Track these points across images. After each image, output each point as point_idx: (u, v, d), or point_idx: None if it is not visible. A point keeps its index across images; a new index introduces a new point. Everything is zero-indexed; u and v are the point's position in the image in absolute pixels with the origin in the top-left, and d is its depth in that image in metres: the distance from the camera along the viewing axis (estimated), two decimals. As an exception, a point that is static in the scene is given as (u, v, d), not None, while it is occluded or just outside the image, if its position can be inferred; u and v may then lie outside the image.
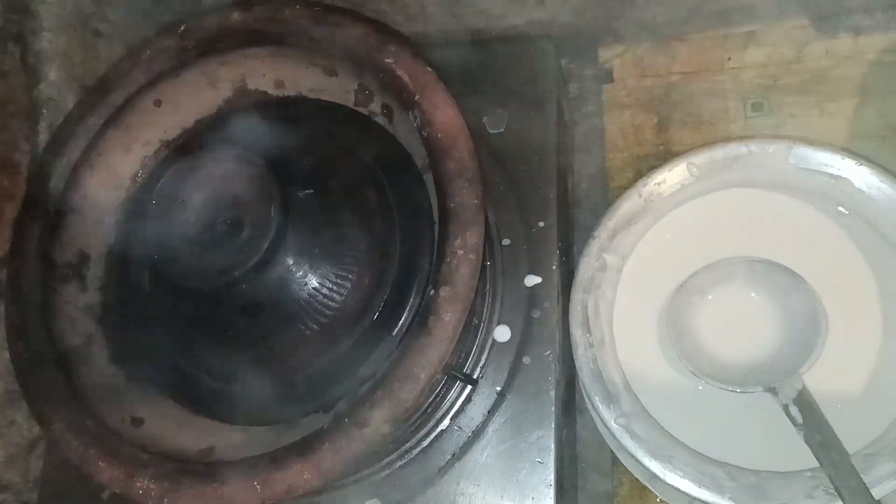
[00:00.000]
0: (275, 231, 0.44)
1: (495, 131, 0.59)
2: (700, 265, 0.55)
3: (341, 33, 0.49)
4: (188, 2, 0.68)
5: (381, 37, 0.48)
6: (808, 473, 0.48)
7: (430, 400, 0.51)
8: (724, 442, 0.51)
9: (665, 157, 0.67)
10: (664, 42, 0.70)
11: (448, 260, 0.43)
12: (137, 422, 0.50)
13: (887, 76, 0.64)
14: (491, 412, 0.52)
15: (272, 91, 0.55)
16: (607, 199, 0.68)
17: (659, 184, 0.56)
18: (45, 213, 0.53)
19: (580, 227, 0.68)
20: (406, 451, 0.52)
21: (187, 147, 0.55)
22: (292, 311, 0.47)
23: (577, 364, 0.53)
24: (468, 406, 0.53)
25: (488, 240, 0.54)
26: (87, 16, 0.68)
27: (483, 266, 0.52)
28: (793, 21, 0.67)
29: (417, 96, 0.46)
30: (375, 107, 0.53)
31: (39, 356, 0.50)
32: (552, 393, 0.52)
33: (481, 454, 0.52)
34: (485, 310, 0.53)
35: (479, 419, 0.52)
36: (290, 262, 0.46)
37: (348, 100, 0.54)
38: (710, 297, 0.55)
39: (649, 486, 0.56)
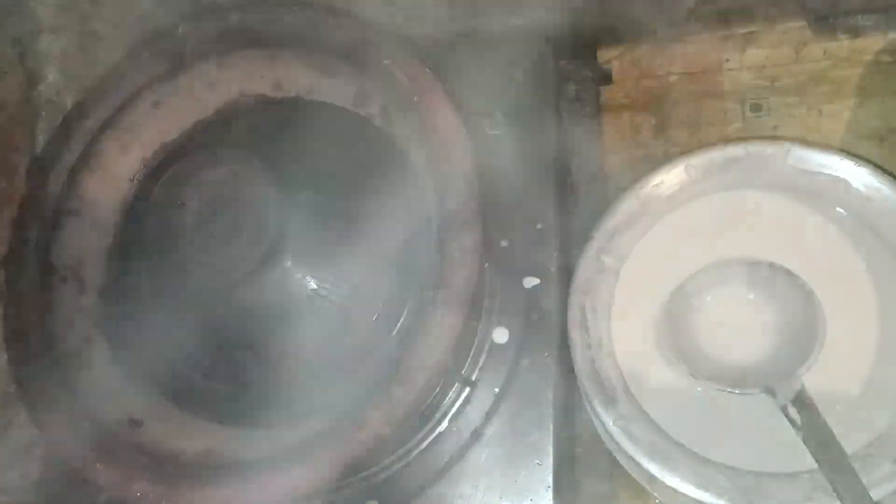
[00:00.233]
0: (273, 233, 0.44)
1: (493, 133, 0.59)
2: (698, 267, 0.55)
3: (339, 35, 0.49)
4: (187, 3, 0.68)
5: (380, 39, 0.48)
6: (807, 475, 0.48)
7: (429, 402, 0.51)
8: (723, 443, 0.51)
9: (663, 158, 0.67)
10: (663, 43, 0.70)
11: (446, 262, 0.43)
12: (136, 424, 0.50)
13: (885, 77, 0.64)
14: (489, 414, 0.52)
15: (271, 93, 0.55)
16: (606, 199, 0.68)
17: (657, 185, 0.56)
18: (43, 215, 0.53)
19: (579, 227, 0.67)
20: (405, 453, 0.52)
21: (186, 149, 0.55)
22: (291, 312, 0.47)
23: (576, 366, 0.53)
24: (466, 408, 0.53)
25: (486, 241, 0.54)
26: (85, 17, 0.68)
27: (481, 268, 0.52)
28: (791, 22, 0.67)
29: (416, 98, 0.46)
30: (374, 108, 0.53)
31: (37, 358, 0.50)
32: (550, 395, 0.52)
33: (480, 456, 0.52)
34: (483, 311, 0.54)
35: (477, 421, 0.52)
36: (289, 264, 0.47)
37: (347, 101, 0.54)
38: (708, 298, 0.55)
39: (648, 488, 0.56)
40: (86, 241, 0.55)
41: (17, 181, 0.61)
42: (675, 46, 0.70)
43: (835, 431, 0.48)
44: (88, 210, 0.55)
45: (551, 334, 0.54)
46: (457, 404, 0.53)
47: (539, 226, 0.56)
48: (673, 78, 0.69)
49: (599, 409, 0.52)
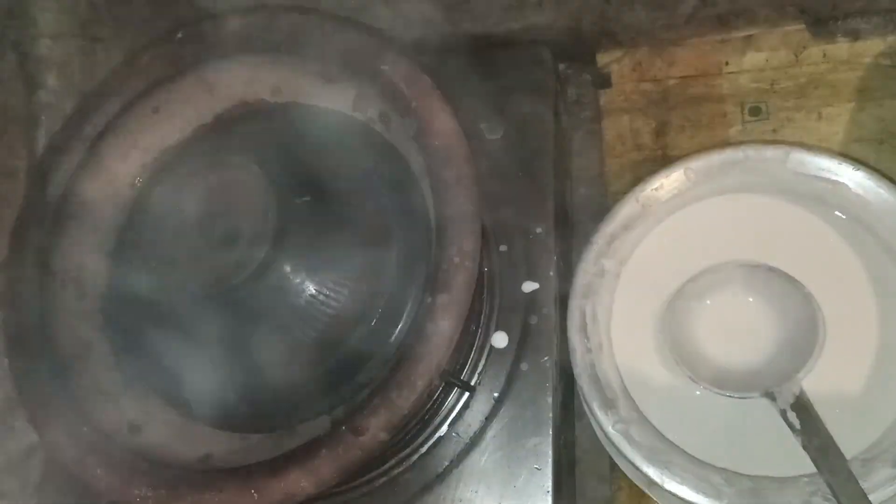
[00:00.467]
0: (272, 238, 0.44)
1: (493, 137, 0.59)
2: (698, 270, 0.55)
3: (337, 40, 0.49)
4: (186, 7, 0.68)
5: (378, 44, 0.48)
6: (806, 479, 0.48)
7: (428, 407, 0.51)
8: (722, 447, 0.51)
9: (663, 161, 0.67)
10: (662, 46, 0.70)
11: (445, 267, 0.43)
12: (135, 429, 0.50)
13: (884, 80, 0.64)
14: (489, 419, 0.52)
15: (269, 98, 0.55)
16: (606, 203, 0.68)
17: (657, 189, 0.56)
18: (43, 219, 0.53)
19: (578, 231, 0.68)
20: (404, 458, 0.52)
21: (185, 154, 0.55)
22: (290, 317, 0.47)
23: (575, 370, 0.53)
24: (466, 413, 0.53)
25: (486, 246, 0.54)
26: (85, 22, 0.68)
27: (480, 272, 0.52)
28: (790, 26, 0.67)
29: (414, 103, 0.46)
30: (373, 113, 0.53)
31: (37, 363, 0.50)
32: (550, 399, 0.52)
33: (479, 461, 0.52)
34: (482, 316, 0.54)
35: (476, 426, 0.52)
36: (288, 269, 0.46)
37: (346, 106, 0.54)
38: (707, 302, 0.55)
39: (647, 492, 0.56)
40: (86, 246, 0.55)
41: (17, 185, 0.61)
42: (675, 50, 0.70)
43: (834, 435, 0.48)
44: (88, 215, 0.55)
45: (550, 338, 0.54)
46: (456, 409, 0.53)
47: (538, 230, 0.56)
48: (672, 81, 0.69)
49: (599, 413, 0.52)
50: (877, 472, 0.47)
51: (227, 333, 0.49)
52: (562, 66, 0.72)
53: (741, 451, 0.51)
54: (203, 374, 0.52)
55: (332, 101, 0.54)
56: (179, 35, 0.53)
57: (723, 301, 0.55)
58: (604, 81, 0.71)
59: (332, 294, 0.47)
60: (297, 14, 0.50)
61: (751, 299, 0.55)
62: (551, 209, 0.57)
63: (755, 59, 0.68)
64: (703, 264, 0.55)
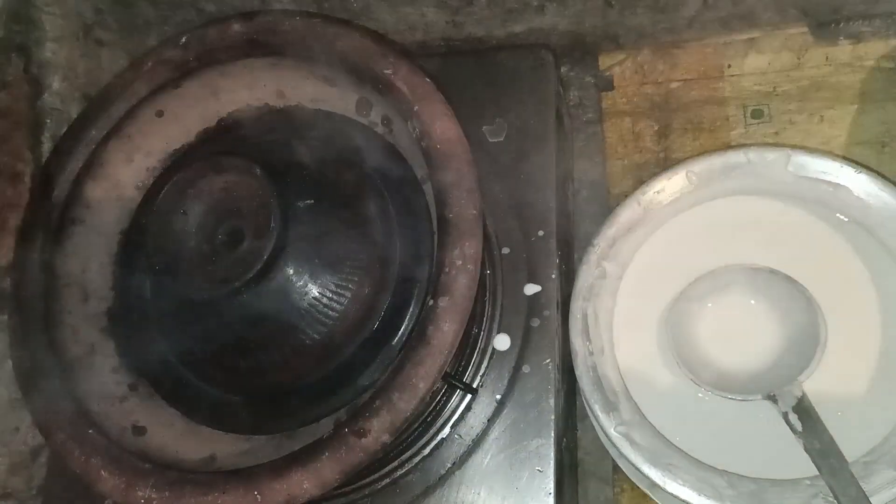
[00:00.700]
0: (275, 241, 0.44)
1: (495, 140, 0.59)
2: (700, 273, 0.55)
3: (340, 44, 0.49)
4: (190, 12, 0.68)
5: (380, 48, 0.48)
6: (808, 481, 0.49)
7: (431, 409, 0.51)
8: (724, 450, 0.51)
9: (665, 164, 0.67)
10: (664, 49, 0.71)
11: (447, 270, 0.43)
12: (139, 430, 0.51)
13: (886, 83, 0.64)
14: (491, 421, 0.53)
15: (273, 101, 0.56)
16: (608, 206, 0.68)
17: (658, 192, 0.57)
18: (48, 222, 0.53)
19: (580, 234, 0.68)
20: (406, 460, 0.52)
21: (189, 157, 0.56)
22: (293, 320, 0.47)
23: (577, 372, 0.53)
24: (468, 415, 0.53)
25: (488, 249, 0.55)
26: (89, 26, 0.68)
27: (482, 275, 0.52)
28: (792, 28, 0.67)
29: (416, 107, 0.46)
30: (375, 117, 0.53)
31: (42, 365, 0.50)
32: (552, 401, 0.52)
33: (481, 463, 0.52)
34: (484, 318, 0.54)
35: (479, 428, 0.53)
36: (291, 271, 0.47)
37: (349, 110, 0.54)
38: (709, 304, 0.55)
39: (649, 494, 0.56)
40: (90, 249, 0.55)
41: (22, 189, 0.62)
42: (677, 52, 0.70)
43: (835, 438, 0.48)
44: (93, 218, 0.55)
45: (552, 341, 0.54)
46: (458, 411, 0.53)
47: (540, 233, 0.57)
48: (674, 84, 0.70)
49: (601, 416, 0.52)
50: (878, 475, 0.47)
51: (230, 335, 0.49)
52: (564, 69, 0.72)
53: (743, 453, 0.51)
54: (206, 375, 0.52)
55: (336, 105, 0.54)
56: (183, 39, 0.53)
57: (725, 304, 0.55)
58: (606, 84, 0.72)
59: (334, 296, 0.47)
60: (300, 18, 0.51)
61: (753, 302, 0.55)
62: (553, 212, 0.57)
63: (757, 61, 0.68)
64: (704, 267, 0.55)
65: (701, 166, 0.56)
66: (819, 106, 0.65)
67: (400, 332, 0.48)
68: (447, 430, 0.53)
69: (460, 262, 0.43)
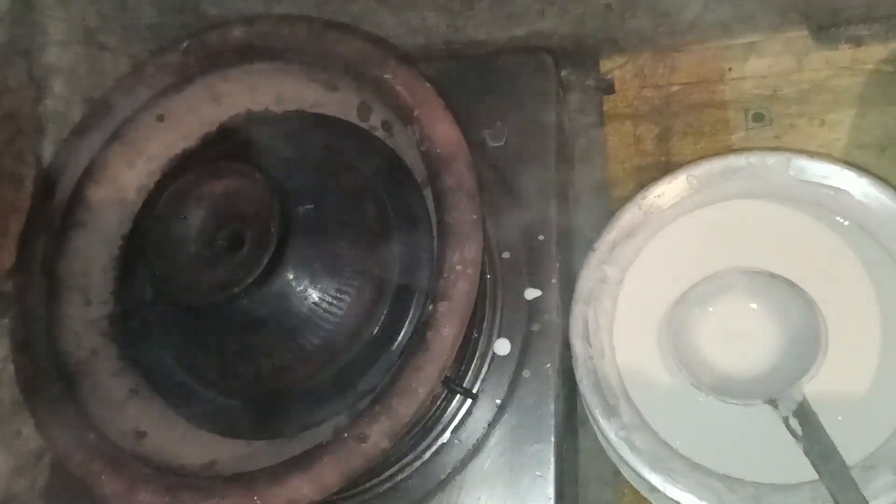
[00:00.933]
0: (275, 246, 0.44)
1: (496, 144, 0.59)
2: (700, 277, 0.55)
3: (340, 49, 0.49)
4: (192, 16, 0.69)
5: (380, 52, 0.48)
6: (808, 486, 0.49)
7: (431, 413, 0.51)
8: (725, 454, 0.51)
9: (666, 167, 0.67)
10: (665, 53, 0.71)
11: (446, 275, 0.43)
12: (141, 435, 0.51)
13: (886, 86, 0.64)
14: (491, 425, 0.53)
15: (273, 106, 0.56)
16: (608, 209, 0.68)
17: (659, 196, 0.57)
18: (50, 226, 0.54)
19: (581, 237, 0.68)
20: (407, 464, 0.52)
21: (190, 162, 0.56)
22: (293, 325, 0.47)
23: (578, 376, 0.53)
24: (468, 419, 0.53)
25: (488, 253, 0.55)
26: (92, 30, 0.68)
27: (483, 280, 0.52)
28: (793, 32, 0.67)
29: (416, 111, 0.46)
30: (376, 121, 0.53)
31: (44, 370, 0.50)
32: (552, 406, 0.53)
33: (482, 467, 0.52)
34: (485, 323, 0.54)
35: (479, 432, 0.53)
36: (291, 276, 0.47)
37: (349, 114, 0.54)
38: (710, 308, 0.55)
39: (650, 498, 0.56)
40: (92, 253, 0.55)
41: (24, 193, 0.62)
42: (677, 56, 0.70)
43: (835, 442, 0.48)
44: (95, 222, 0.55)
45: (553, 345, 0.54)
46: (459, 415, 0.53)
47: (540, 237, 0.57)
48: (675, 87, 0.70)
49: (601, 420, 0.52)
50: (878, 479, 0.47)
51: (230, 340, 0.49)
52: (565, 73, 0.72)
53: (743, 457, 0.51)
54: (207, 380, 0.52)
55: (336, 109, 0.54)
56: (184, 45, 0.53)
57: (725, 308, 0.55)
58: (607, 88, 0.72)
59: (334, 301, 0.47)
60: (300, 23, 0.51)
61: (753, 306, 0.55)
62: (553, 216, 0.57)
63: (758, 65, 0.68)
64: (705, 271, 0.55)
65: (701, 170, 0.56)
66: (819, 109, 0.65)
67: (400, 337, 0.48)
68: (447, 434, 0.53)
69: (460, 267, 0.43)
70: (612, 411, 0.52)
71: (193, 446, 0.50)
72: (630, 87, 0.71)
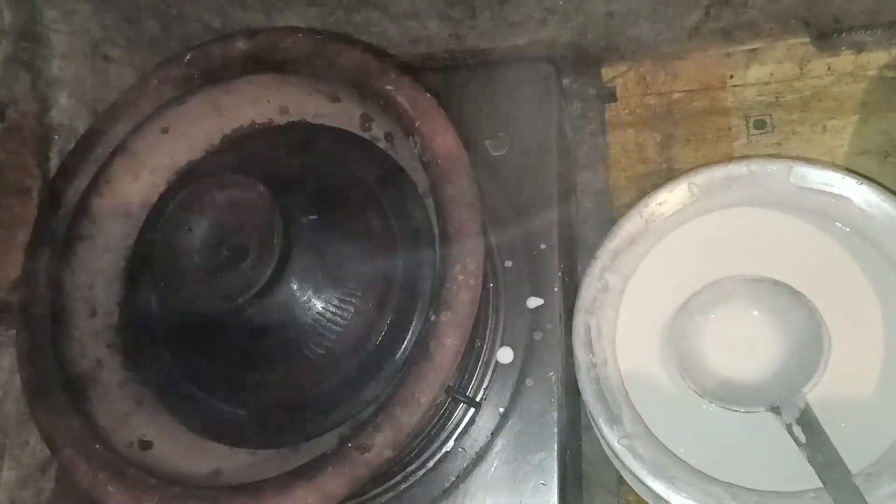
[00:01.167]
0: (278, 257, 0.45)
1: (497, 154, 0.60)
2: (702, 284, 0.55)
3: (342, 61, 0.50)
4: (196, 27, 0.69)
5: (381, 64, 0.49)
6: (812, 493, 0.48)
7: (434, 422, 0.52)
8: (728, 461, 0.51)
9: (668, 174, 0.67)
10: (667, 60, 0.71)
11: (448, 285, 0.43)
12: (146, 445, 0.51)
13: (889, 93, 0.64)
14: (494, 434, 0.53)
15: (277, 117, 0.56)
16: (611, 217, 0.68)
17: (660, 204, 0.57)
18: (55, 238, 0.54)
19: (584, 244, 0.68)
20: (411, 473, 0.52)
21: (193, 173, 0.56)
22: (297, 335, 0.48)
23: (580, 384, 0.54)
24: (472, 428, 0.53)
25: (490, 262, 0.55)
26: (96, 42, 0.69)
27: (485, 288, 0.52)
28: (794, 38, 0.67)
29: (417, 123, 0.47)
30: (378, 132, 0.54)
31: (50, 380, 0.51)
32: (555, 414, 0.53)
33: (485, 476, 0.52)
34: (488, 331, 0.54)
35: (482, 441, 0.53)
36: (294, 286, 0.47)
37: (352, 125, 0.54)
38: (712, 316, 0.55)
39: (654, 506, 0.56)
40: (97, 265, 0.56)
41: (30, 205, 0.62)
42: (679, 63, 0.70)
43: (839, 449, 0.48)
44: (100, 234, 0.55)
45: (555, 354, 0.54)
46: (462, 424, 0.53)
47: (542, 246, 0.57)
48: (677, 95, 0.70)
49: (604, 428, 0.52)
50: (882, 487, 0.47)
51: (235, 350, 0.50)
52: (567, 81, 0.72)
53: (746, 465, 0.51)
54: (212, 390, 0.52)
55: (339, 121, 0.55)
56: (188, 57, 0.54)
57: (727, 315, 0.55)
58: (609, 96, 0.72)
59: (338, 311, 0.48)
60: (302, 35, 0.51)
61: (755, 313, 0.55)
62: (555, 225, 0.57)
63: (760, 72, 0.68)
64: (707, 278, 0.55)
65: (703, 178, 0.56)
66: (821, 116, 0.65)
67: (403, 347, 0.48)
68: (451, 443, 0.53)
69: (462, 278, 0.43)
70: (614, 419, 0.52)
71: (198, 456, 0.51)
72: (632, 94, 0.71)
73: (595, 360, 0.54)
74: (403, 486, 0.52)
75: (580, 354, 0.54)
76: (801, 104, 0.66)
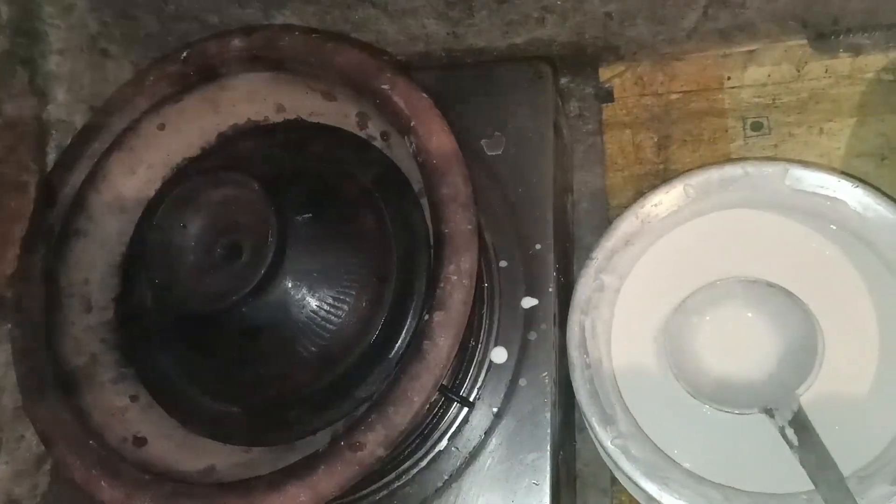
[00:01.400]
0: (273, 255, 0.45)
1: (493, 153, 0.60)
2: (697, 286, 0.55)
3: (338, 59, 0.50)
4: (193, 24, 0.69)
5: (378, 63, 0.49)
6: (804, 496, 0.48)
7: (428, 421, 0.52)
8: (721, 463, 0.51)
9: (665, 175, 0.67)
10: (664, 61, 0.71)
11: (442, 285, 0.43)
12: (140, 441, 0.51)
13: (886, 95, 0.64)
14: (487, 433, 0.53)
15: (273, 115, 0.56)
16: (607, 217, 0.68)
17: (656, 205, 0.57)
18: (51, 234, 0.54)
19: (580, 245, 0.68)
20: (404, 472, 0.52)
21: (189, 170, 0.56)
22: (291, 333, 0.48)
23: (574, 385, 0.54)
24: (465, 427, 0.53)
25: (485, 261, 0.55)
26: (94, 37, 0.69)
27: (480, 288, 0.52)
28: (792, 40, 0.67)
29: (413, 122, 0.47)
30: (374, 131, 0.54)
31: (44, 376, 0.51)
32: (548, 415, 0.53)
33: (478, 475, 0.52)
34: (482, 331, 0.54)
35: (475, 440, 0.53)
36: (289, 285, 0.47)
37: (348, 124, 0.54)
38: (707, 317, 0.55)
39: (647, 507, 0.56)
40: (93, 260, 0.56)
41: (27, 200, 0.62)
42: (677, 64, 0.70)
43: (832, 452, 0.48)
44: (95, 229, 0.56)
45: (550, 354, 0.54)
46: (455, 423, 0.53)
47: (538, 246, 0.57)
48: (674, 96, 0.70)
49: (598, 429, 0.52)
50: (874, 489, 0.47)
51: (229, 348, 0.50)
52: (564, 81, 0.72)
53: (739, 467, 0.51)
54: (206, 387, 0.52)
55: (335, 119, 0.55)
56: (184, 54, 0.54)
57: (722, 316, 0.55)
58: (606, 96, 0.72)
59: (332, 310, 0.48)
60: (298, 33, 0.51)
61: (750, 315, 0.55)
62: (551, 225, 0.57)
63: (757, 73, 0.68)
64: (702, 280, 0.55)
65: (698, 179, 0.56)
66: (818, 118, 0.65)
67: (397, 346, 0.48)
68: (444, 442, 0.53)
69: (456, 277, 0.43)
70: (608, 420, 0.52)
71: (192, 453, 0.51)
72: (629, 94, 0.71)
73: (589, 360, 0.54)
74: (397, 484, 0.52)
75: (574, 354, 0.54)
76: (798, 106, 0.66)
